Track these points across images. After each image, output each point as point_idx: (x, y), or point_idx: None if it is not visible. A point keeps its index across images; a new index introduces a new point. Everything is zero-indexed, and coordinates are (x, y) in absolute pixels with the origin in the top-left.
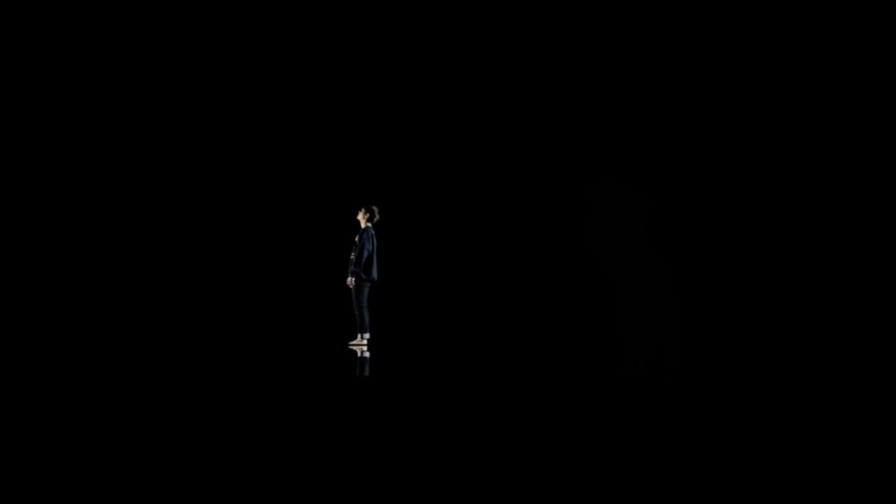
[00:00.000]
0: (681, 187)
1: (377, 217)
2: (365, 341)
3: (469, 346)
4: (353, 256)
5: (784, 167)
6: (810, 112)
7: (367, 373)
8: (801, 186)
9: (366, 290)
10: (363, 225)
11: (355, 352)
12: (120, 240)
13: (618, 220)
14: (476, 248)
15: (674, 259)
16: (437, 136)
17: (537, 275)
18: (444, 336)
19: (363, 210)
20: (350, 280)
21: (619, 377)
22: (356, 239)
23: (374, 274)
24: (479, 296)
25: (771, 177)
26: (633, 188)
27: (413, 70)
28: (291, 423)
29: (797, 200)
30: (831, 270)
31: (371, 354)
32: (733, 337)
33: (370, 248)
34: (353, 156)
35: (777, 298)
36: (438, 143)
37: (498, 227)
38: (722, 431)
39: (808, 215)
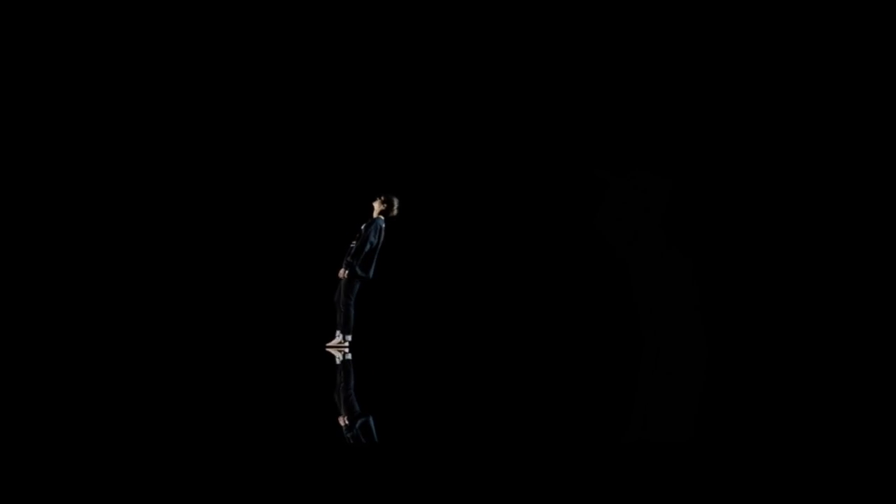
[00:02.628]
0: (701, 167)
1: (394, 212)
2: (346, 343)
3: (465, 351)
4: (352, 245)
5: (814, 150)
6: (836, 102)
7: (351, 383)
8: (831, 173)
9: (356, 287)
10: (375, 214)
11: (333, 356)
12: (99, 224)
13: (631, 205)
14: (476, 244)
15: (695, 247)
16: (435, 127)
17: (543, 274)
18: (439, 340)
19: (381, 198)
20: (343, 272)
21: (634, 379)
22: (362, 227)
23: (371, 272)
24: (479, 295)
25: (797, 158)
26: (646, 168)
27: (418, 54)
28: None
29: (829, 187)
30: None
31: (353, 358)
32: (759, 333)
33: (374, 241)
34: (349, 139)
35: (805, 293)
36: (436, 134)
37: (500, 221)
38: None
39: (838, 205)
